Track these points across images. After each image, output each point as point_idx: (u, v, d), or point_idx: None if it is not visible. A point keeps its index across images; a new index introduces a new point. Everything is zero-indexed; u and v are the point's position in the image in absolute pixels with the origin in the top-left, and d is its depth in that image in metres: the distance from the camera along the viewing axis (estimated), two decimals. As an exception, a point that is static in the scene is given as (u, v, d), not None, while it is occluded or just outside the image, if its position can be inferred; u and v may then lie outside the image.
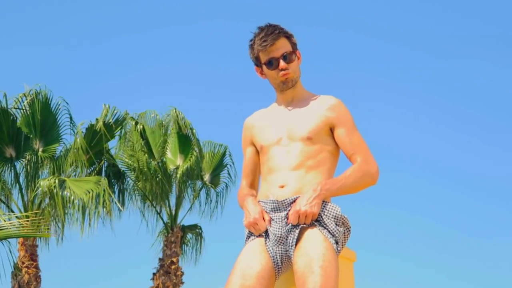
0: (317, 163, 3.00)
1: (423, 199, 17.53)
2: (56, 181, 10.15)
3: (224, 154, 13.31)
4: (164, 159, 12.35)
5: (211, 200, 13.09)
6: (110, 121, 11.34)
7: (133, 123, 12.12)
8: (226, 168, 13.31)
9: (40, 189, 10.18)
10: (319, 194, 2.88)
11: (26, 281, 10.57)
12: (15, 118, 10.76)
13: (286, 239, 2.89)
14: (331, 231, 2.88)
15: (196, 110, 18.16)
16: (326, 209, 2.91)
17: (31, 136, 10.88)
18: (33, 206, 10.61)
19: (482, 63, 18.37)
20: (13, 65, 17.78)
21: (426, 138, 18.26)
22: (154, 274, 12.52)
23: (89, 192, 10.08)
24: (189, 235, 13.20)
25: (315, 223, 2.88)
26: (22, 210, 10.65)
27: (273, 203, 2.96)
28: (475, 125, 18.34)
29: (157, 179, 12.13)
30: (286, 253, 2.90)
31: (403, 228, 16.93)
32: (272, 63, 3.06)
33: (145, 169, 11.98)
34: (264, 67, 3.10)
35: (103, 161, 11.78)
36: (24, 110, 10.87)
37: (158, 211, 12.66)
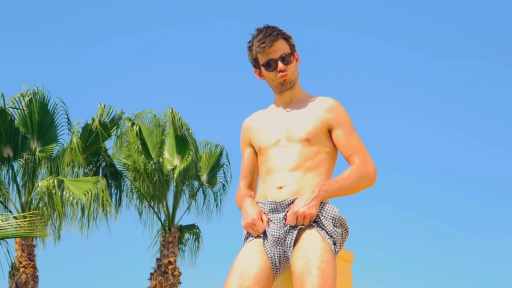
0: (315, 164, 3.00)
1: (423, 199, 17.55)
2: (55, 181, 10.15)
3: (221, 154, 13.33)
4: (161, 159, 12.36)
5: (208, 200, 13.11)
6: (105, 120, 11.34)
7: (130, 123, 12.12)
8: (223, 168, 13.33)
9: (39, 189, 10.18)
10: (317, 195, 2.89)
11: (23, 281, 10.57)
12: (12, 118, 10.76)
13: (284, 240, 2.89)
14: (329, 232, 2.88)
15: (193, 110, 18.17)
16: (324, 210, 2.92)
17: (28, 136, 10.87)
18: (30, 206, 10.61)
19: (482, 63, 18.39)
20: (10, 65, 17.78)
21: (426, 138, 18.27)
22: (151, 274, 12.51)
23: (88, 193, 10.09)
24: (186, 235, 13.20)
25: (313, 224, 2.89)
26: (20, 210, 10.65)
27: (271, 204, 2.96)
28: (475, 125, 18.36)
29: (155, 179, 12.13)
30: (284, 254, 2.90)
31: (402, 228, 16.95)
32: (270, 65, 3.06)
33: (142, 170, 11.99)
34: (262, 68, 3.10)
35: (100, 161, 11.78)
36: (22, 110, 10.87)
37: (156, 211, 12.66)
